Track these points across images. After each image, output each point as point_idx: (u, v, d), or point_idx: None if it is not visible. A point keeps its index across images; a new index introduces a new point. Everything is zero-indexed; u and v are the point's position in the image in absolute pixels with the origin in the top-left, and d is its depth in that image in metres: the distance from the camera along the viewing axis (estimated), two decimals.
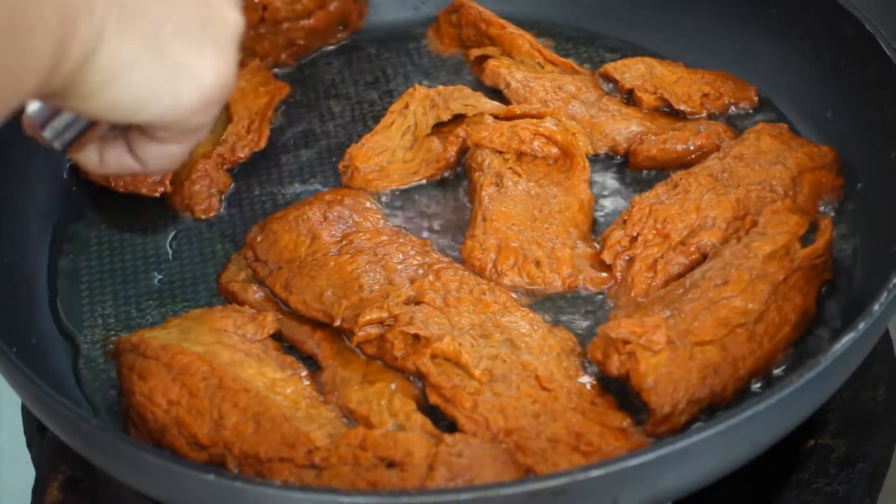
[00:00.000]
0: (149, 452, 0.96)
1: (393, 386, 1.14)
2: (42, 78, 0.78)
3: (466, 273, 1.23)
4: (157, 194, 1.38)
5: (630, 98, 1.49)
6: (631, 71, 1.50)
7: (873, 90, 1.35)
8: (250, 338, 1.18)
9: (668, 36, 1.59)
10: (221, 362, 1.13)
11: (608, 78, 1.51)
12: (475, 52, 1.57)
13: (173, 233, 1.37)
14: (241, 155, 1.44)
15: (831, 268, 1.23)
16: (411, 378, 1.15)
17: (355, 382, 1.15)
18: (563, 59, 1.55)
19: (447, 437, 1.04)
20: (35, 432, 1.24)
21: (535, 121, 1.37)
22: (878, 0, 1.56)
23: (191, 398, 1.10)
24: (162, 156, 1.00)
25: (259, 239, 1.30)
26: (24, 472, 1.24)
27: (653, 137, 1.39)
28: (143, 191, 1.38)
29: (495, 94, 1.49)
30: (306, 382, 1.15)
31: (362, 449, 1.03)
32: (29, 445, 1.24)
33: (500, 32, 1.57)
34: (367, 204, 1.34)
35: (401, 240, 1.28)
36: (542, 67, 1.54)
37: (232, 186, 1.42)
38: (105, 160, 1.02)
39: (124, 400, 1.15)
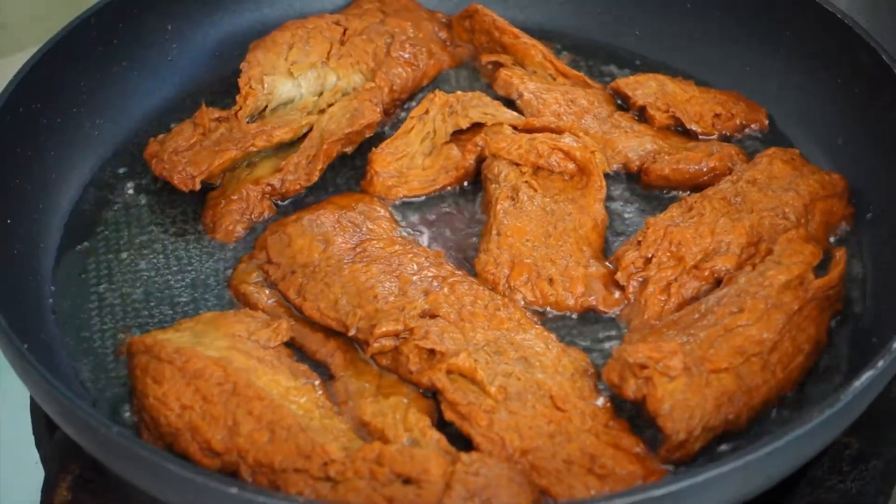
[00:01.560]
0: (171, 462, 0.95)
1: (405, 400, 1.14)
2: None
3: (480, 287, 1.23)
4: (186, 190, 1.35)
5: (641, 115, 1.48)
6: (643, 88, 1.50)
7: (886, 118, 1.36)
8: (264, 344, 1.17)
9: (680, 53, 1.59)
10: (236, 368, 1.12)
11: (620, 93, 1.51)
12: (487, 58, 1.57)
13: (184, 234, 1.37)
14: (291, 188, 1.37)
15: (843, 299, 1.24)
16: (424, 392, 1.15)
17: (369, 394, 1.15)
18: (576, 72, 1.54)
19: (464, 456, 1.05)
20: (44, 431, 1.23)
21: (553, 135, 1.37)
22: (893, 27, 1.57)
23: (205, 403, 1.10)
24: None
25: (271, 241, 1.29)
26: (32, 473, 1.23)
27: (666, 157, 1.39)
28: (175, 180, 1.35)
29: (507, 102, 1.48)
30: (319, 392, 1.14)
31: (379, 464, 1.03)
32: (38, 445, 1.23)
33: (513, 42, 1.56)
34: (381, 211, 1.34)
35: (414, 250, 1.28)
36: (554, 79, 1.53)
37: (267, 215, 1.36)
38: None
39: (137, 402, 1.14)
